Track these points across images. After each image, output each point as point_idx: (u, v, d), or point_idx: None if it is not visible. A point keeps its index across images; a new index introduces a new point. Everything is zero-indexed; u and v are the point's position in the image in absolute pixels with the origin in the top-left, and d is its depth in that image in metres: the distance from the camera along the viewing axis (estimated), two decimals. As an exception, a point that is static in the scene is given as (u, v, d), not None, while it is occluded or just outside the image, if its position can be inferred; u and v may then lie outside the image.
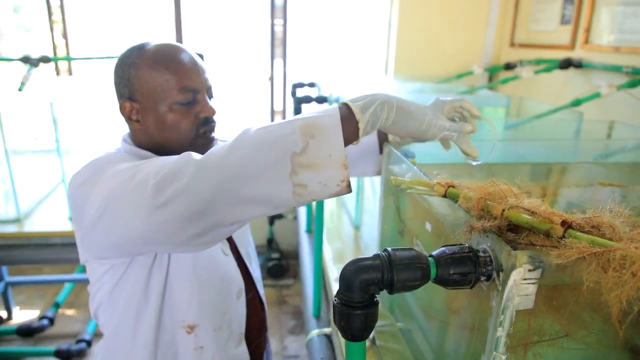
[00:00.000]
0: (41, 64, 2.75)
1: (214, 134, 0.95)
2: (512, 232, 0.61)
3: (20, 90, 2.65)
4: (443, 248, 0.59)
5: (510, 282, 0.55)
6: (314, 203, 2.13)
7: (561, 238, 0.55)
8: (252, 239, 1.20)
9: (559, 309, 0.64)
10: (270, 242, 3.51)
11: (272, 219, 3.43)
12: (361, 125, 0.71)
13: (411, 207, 0.90)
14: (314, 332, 1.38)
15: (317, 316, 1.48)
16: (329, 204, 2.15)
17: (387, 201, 1.05)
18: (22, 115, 2.47)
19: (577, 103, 1.87)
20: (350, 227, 1.88)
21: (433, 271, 0.58)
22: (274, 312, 3.03)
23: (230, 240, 1.05)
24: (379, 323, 1.21)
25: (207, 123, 0.92)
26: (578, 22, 2.43)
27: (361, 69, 3.56)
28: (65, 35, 3.31)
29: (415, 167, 0.85)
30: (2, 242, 1.89)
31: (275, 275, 3.36)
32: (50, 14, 3.22)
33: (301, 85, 2.86)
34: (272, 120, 3.51)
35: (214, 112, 0.92)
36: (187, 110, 0.89)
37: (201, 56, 0.99)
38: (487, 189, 0.65)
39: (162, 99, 0.87)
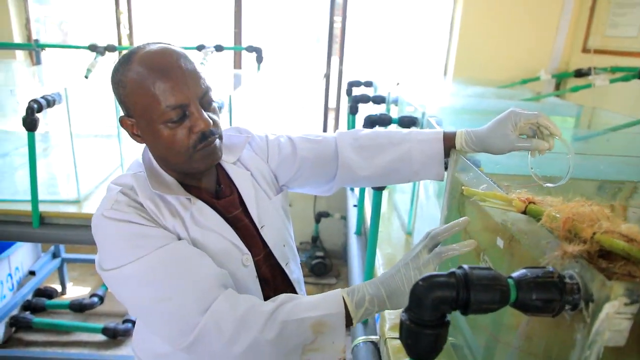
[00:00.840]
0: (107, 53, 2.87)
1: (218, 141, 0.90)
2: (604, 259, 0.55)
3: (86, 77, 2.77)
4: (524, 270, 0.54)
5: (602, 315, 0.49)
6: (368, 206, 2.10)
7: (664, 271, 0.49)
8: (294, 236, 1.16)
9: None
10: (315, 239, 3.50)
11: (318, 217, 3.42)
12: (354, 322, 0.82)
13: (479, 220, 0.84)
14: (360, 339, 1.34)
15: (365, 322, 1.44)
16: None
17: (450, 211, 0.99)
18: (87, 101, 2.57)
19: (658, 116, 1.73)
20: (402, 232, 1.83)
21: (513, 294, 0.53)
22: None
23: (256, 243, 0.99)
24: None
25: (204, 137, 0.86)
26: (662, 29, 2.25)
27: (420, 69, 3.47)
28: (130, 25, 3.42)
29: (489, 179, 0.79)
30: (62, 222, 1.97)
31: (319, 273, 3.34)
32: (117, 4, 3.34)
33: (358, 84, 2.82)
34: (325, 117, 3.49)
35: (208, 125, 0.85)
36: (180, 126, 0.84)
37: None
38: (575, 208, 0.59)
39: (153, 118, 0.84)
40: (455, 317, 1.06)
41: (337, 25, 3.33)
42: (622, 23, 2.58)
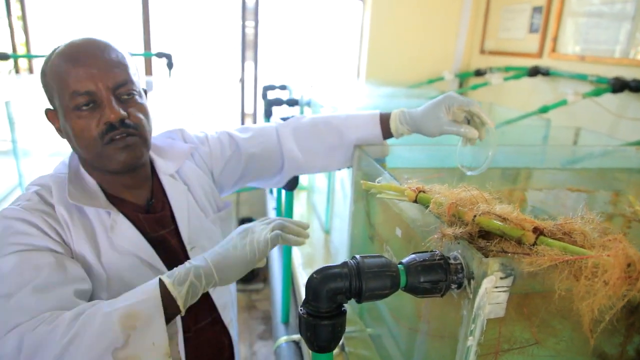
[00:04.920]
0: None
1: (134, 138, 0.82)
2: (484, 239, 0.59)
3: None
4: (413, 255, 0.57)
5: (481, 290, 0.53)
6: (283, 205, 2.09)
7: (533, 245, 0.54)
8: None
9: (529, 317, 0.62)
10: (240, 246, 3.44)
11: (242, 222, 3.37)
12: (180, 302, 0.69)
13: (381, 212, 0.88)
14: (283, 339, 1.34)
15: (286, 322, 1.44)
16: (299, 208, 2.12)
17: (357, 206, 1.03)
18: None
19: (544, 110, 1.90)
20: (321, 232, 1.86)
21: (403, 279, 0.55)
22: (244, 318, 2.97)
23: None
24: (348, 329, 1.19)
25: (113, 128, 0.79)
26: (546, 31, 2.48)
27: (333, 72, 3.55)
28: (26, 32, 3.18)
29: (386, 172, 0.83)
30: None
31: (245, 279, 3.30)
32: (9, 9, 3.08)
33: (272, 87, 2.83)
34: (242, 122, 3.46)
35: (118, 116, 0.78)
36: (89, 117, 0.78)
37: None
38: (458, 194, 0.63)
39: (62, 107, 0.79)
40: (371, 308, 1.10)
41: (251, 31, 3.32)
42: (512, 27, 2.80)
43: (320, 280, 0.53)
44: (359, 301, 0.55)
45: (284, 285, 1.43)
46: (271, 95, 2.77)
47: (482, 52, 3.11)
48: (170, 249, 0.89)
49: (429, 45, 3.23)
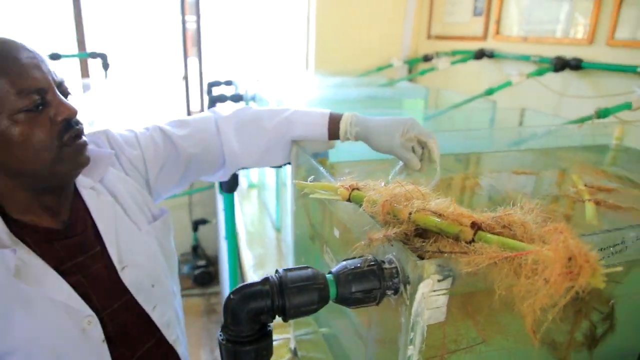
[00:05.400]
0: None
1: (85, 137, 0.76)
2: (421, 237, 0.55)
3: None
4: (344, 263, 0.52)
5: (418, 296, 0.48)
6: (237, 209, 1.99)
7: (471, 242, 0.50)
8: (168, 265, 0.96)
9: (474, 316, 0.58)
10: (196, 248, 3.34)
11: (196, 225, 3.26)
12: None
13: (320, 212, 0.82)
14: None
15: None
16: (250, 207, 2.04)
17: (297, 204, 0.97)
18: None
19: (490, 92, 1.90)
20: (272, 230, 1.79)
21: (333, 291, 0.50)
22: (203, 322, 2.88)
23: (112, 290, 0.81)
24: (300, 331, 1.13)
25: (70, 127, 0.71)
26: (489, 14, 2.48)
27: (282, 65, 3.47)
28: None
29: (321, 168, 0.77)
30: None
31: (203, 283, 3.19)
32: None
33: (217, 83, 2.72)
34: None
35: (74, 112, 0.71)
36: (38, 118, 0.69)
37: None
38: (392, 190, 0.58)
39: (2, 114, 0.67)
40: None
41: (192, 25, 3.19)
42: (456, 11, 2.80)
43: (238, 300, 0.47)
44: (284, 319, 0.48)
45: (232, 284, 1.36)
46: (217, 91, 2.67)
47: (429, 37, 3.10)
48: (95, 274, 0.79)
49: (377, 33, 3.19)
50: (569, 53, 1.91)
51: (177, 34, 3.07)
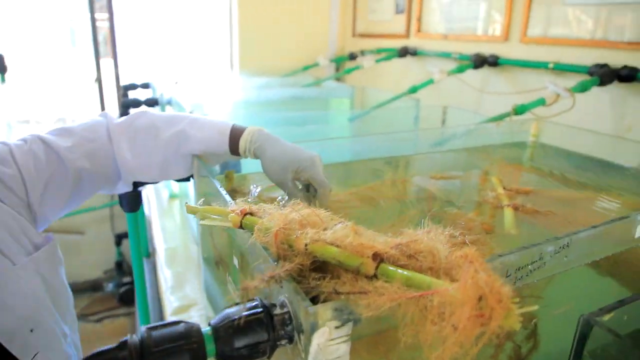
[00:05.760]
0: None
1: None
2: (320, 271, 0.47)
3: None
4: (226, 311, 0.43)
5: (313, 348, 0.41)
6: (155, 224, 1.83)
7: (373, 277, 0.42)
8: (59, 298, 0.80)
9: (387, 354, 0.51)
10: (120, 264, 3.12)
11: (118, 240, 3.04)
12: None
13: (221, 236, 0.73)
14: None
15: None
16: (171, 221, 1.90)
17: (203, 226, 0.86)
18: None
19: (413, 90, 1.88)
20: (194, 245, 1.67)
21: (211, 348, 0.41)
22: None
23: None
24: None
25: None
26: (410, 11, 2.48)
27: (206, 65, 3.31)
28: None
29: (219, 186, 0.67)
30: None
31: (128, 301, 2.98)
32: None
33: (134, 86, 2.54)
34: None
35: None
36: None
37: None
38: (286, 216, 0.50)
39: None
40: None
41: (105, 24, 2.96)
42: (379, 8, 2.79)
43: (82, 377, 0.37)
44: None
45: (142, 312, 1.23)
46: (134, 95, 2.49)
47: (355, 35, 3.07)
48: None
49: (302, 32, 3.13)
50: (486, 50, 1.93)
51: (87, 33, 2.83)
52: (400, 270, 0.41)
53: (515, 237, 0.71)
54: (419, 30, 2.43)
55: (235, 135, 0.84)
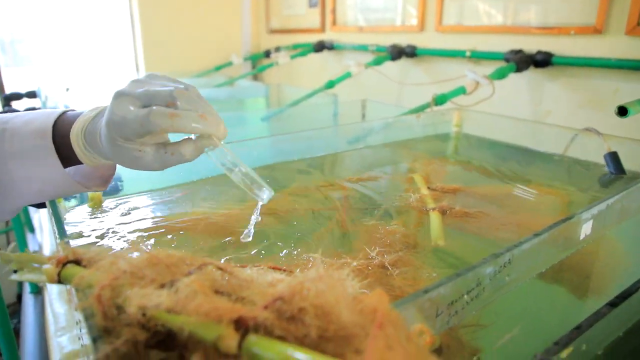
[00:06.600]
0: None
1: None
2: (165, 346, 0.31)
3: None
4: None
5: None
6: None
7: (237, 357, 0.27)
8: None
9: None
10: (21, 297, 2.75)
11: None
12: None
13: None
14: None
15: None
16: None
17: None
18: None
19: (331, 85, 1.76)
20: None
21: None
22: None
23: None
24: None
25: None
26: (324, 5, 2.37)
27: (108, 69, 3.01)
28: None
29: (52, 219, 0.49)
30: None
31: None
32: None
33: (18, 96, 2.22)
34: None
35: None
36: None
37: None
38: (118, 266, 0.33)
39: None
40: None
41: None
42: (293, 3, 2.65)
43: None
44: None
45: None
46: (18, 105, 2.18)
47: (270, 31, 2.92)
48: None
49: (212, 30, 2.93)
50: (404, 41, 1.85)
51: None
52: (277, 344, 0.27)
53: (444, 249, 0.59)
54: (334, 24, 2.32)
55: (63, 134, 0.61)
